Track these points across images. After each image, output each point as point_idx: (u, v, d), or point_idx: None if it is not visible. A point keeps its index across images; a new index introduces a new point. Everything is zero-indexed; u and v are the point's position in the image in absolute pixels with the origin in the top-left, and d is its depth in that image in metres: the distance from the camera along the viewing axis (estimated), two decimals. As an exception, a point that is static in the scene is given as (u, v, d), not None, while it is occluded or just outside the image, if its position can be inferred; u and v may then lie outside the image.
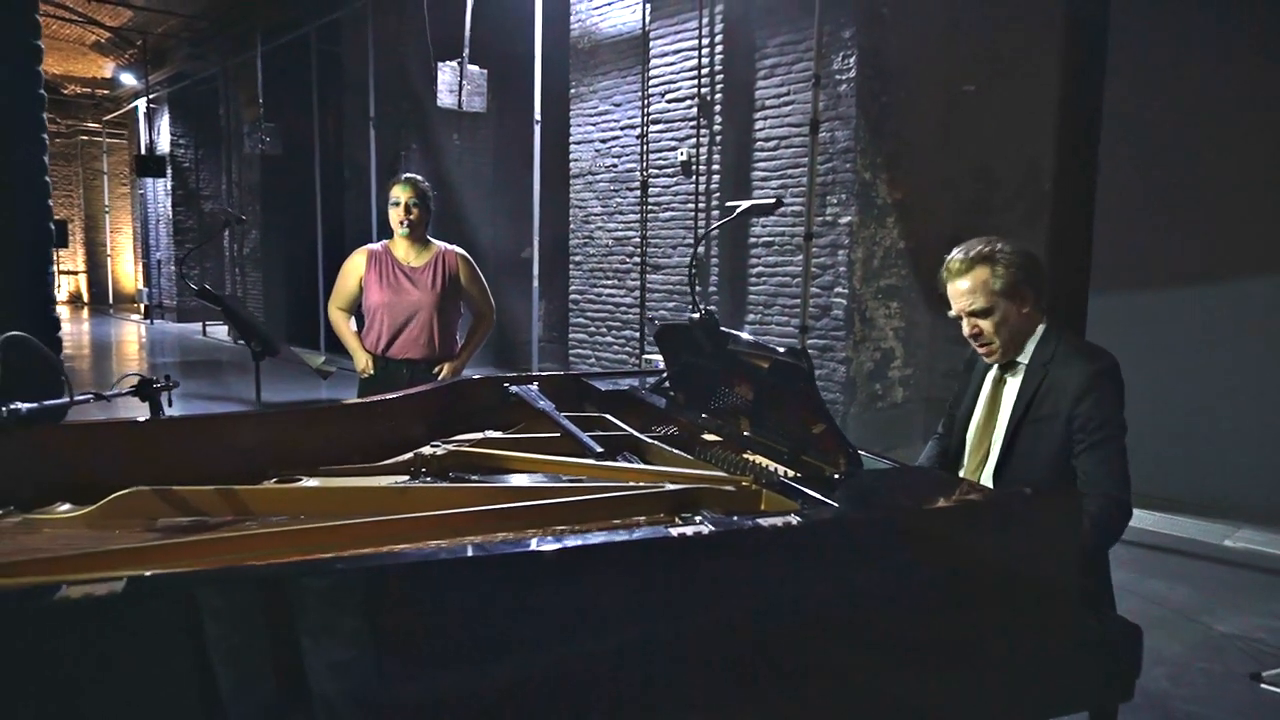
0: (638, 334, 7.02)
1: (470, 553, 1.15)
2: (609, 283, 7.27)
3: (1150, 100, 5.05)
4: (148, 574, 1.03)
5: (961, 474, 2.05)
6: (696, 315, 2.05)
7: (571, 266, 7.63)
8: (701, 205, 6.40)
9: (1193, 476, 4.88)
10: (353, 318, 3.55)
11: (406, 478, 1.92)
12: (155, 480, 1.64)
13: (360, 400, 2.46)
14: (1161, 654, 3.13)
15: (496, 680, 1.16)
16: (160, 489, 1.57)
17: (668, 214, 6.70)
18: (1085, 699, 1.57)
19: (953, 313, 1.97)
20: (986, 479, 1.98)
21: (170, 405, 1.95)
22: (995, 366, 2.01)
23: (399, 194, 3.37)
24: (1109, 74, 5.18)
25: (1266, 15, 4.64)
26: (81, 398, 1.62)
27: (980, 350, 1.97)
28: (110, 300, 19.65)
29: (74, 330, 15.24)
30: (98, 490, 1.60)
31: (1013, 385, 1.96)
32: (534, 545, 1.27)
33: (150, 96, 15.47)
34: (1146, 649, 1.60)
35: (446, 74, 7.09)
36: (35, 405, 1.47)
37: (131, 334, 14.90)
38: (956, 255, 1.93)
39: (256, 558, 1.30)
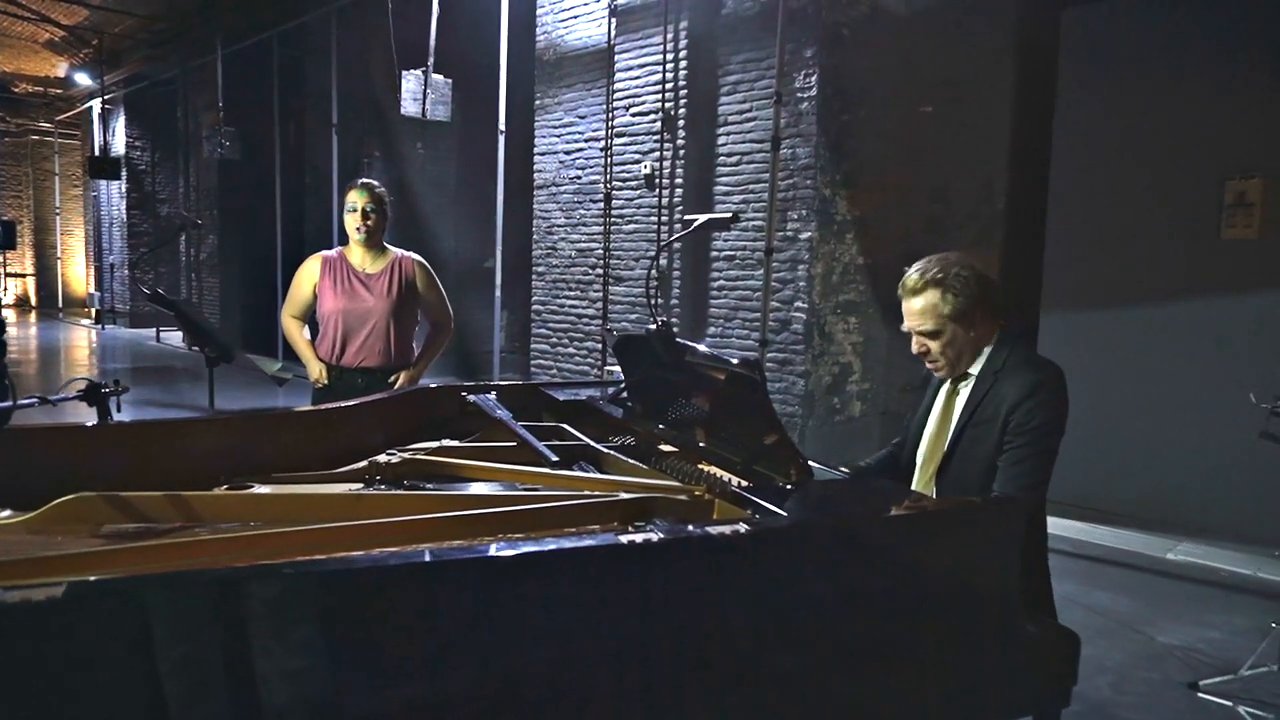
0: (600, 345, 7.03)
1: (420, 558, 1.16)
2: (571, 294, 7.28)
3: (1099, 124, 5.22)
4: (89, 579, 1.01)
5: (916, 482, 2.09)
6: (654, 326, 2.07)
7: (534, 277, 7.62)
8: (664, 218, 6.45)
9: (1137, 491, 5.02)
10: (307, 326, 3.50)
11: (361, 485, 1.92)
12: (105, 487, 1.61)
13: (317, 407, 2.44)
14: (1103, 663, 3.21)
15: (446, 685, 1.16)
16: (106, 494, 1.54)
17: (631, 226, 6.74)
18: (1025, 704, 1.61)
19: (905, 328, 2.03)
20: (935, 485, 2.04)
21: (119, 410, 1.92)
22: (951, 379, 2.07)
23: (356, 199, 3.31)
24: (1059, 98, 5.37)
25: (1211, 41, 4.82)
26: (26, 402, 1.59)
27: (928, 366, 2.04)
28: (60, 304, 19.14)
29: (21, 334, 14.82)
30: (45, 497, 1.57)
31: (964, 394, 2.01)
32: (484, 551, 1.28)
33: (105, 97, 15.16)
34: (1090, 658, 1.65)
35: (411, 82, 7.07)
36: (-23, 409, 1.43)
37: (81, 339, 14.54)
38: (913, 274, 1.98)
39: (203, 564, 1.29)
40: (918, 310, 1.95)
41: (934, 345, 1.96)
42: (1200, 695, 3.00)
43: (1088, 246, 5.30)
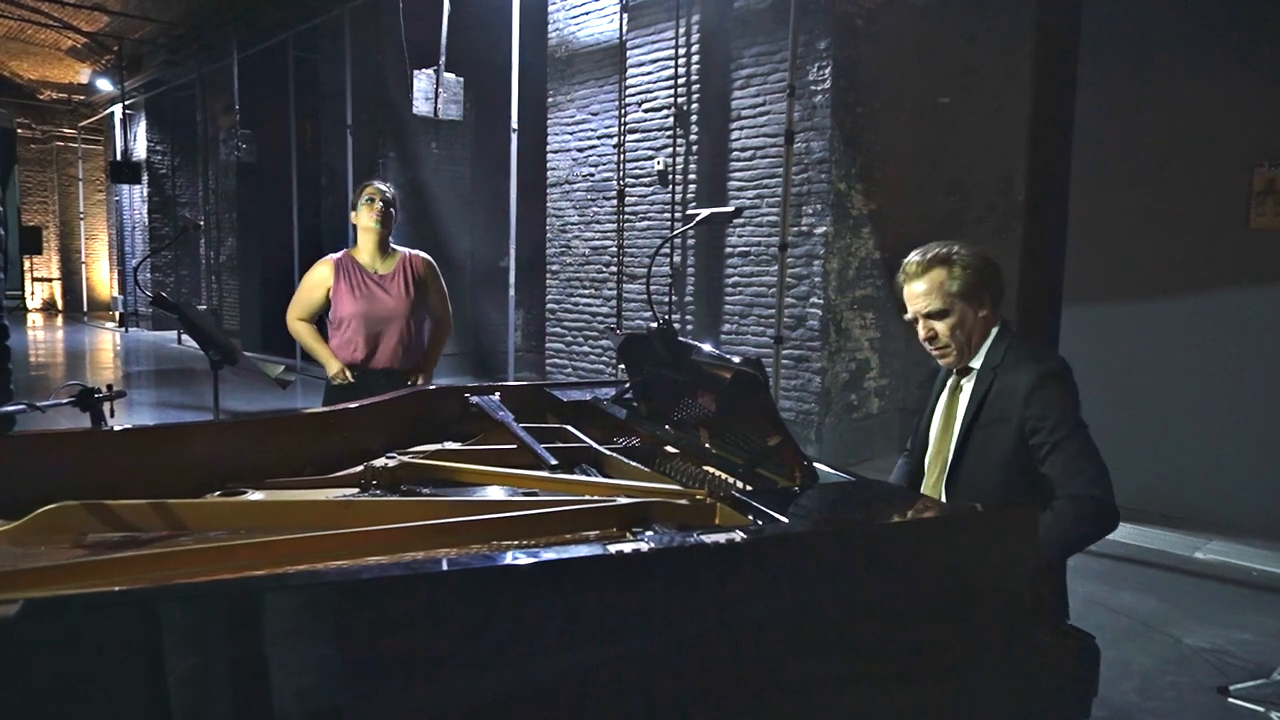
0: (613, 344, 6.99)
1: (397, 571, 1.11)
2: (586, 292, 7.24)
3: (1122, 111, 5.10)
4: (49, 595, 0.97)
5: (925, 485, 2.02)
6: (654, 325, 2.02)
7: (548, 276, 7.59)
8: (678, 215, 6.39)
9: (1164, 488, 4.89)
10: (313, 326, 3.50)
11: (356, 490, 1.88)
12: (102, 494, 1.58)
13: (317, 411, 2.40)
14: (1130, 666, 3.12)
15: (436, 698, 1.11)
16: (90, 503, 1.51)
17: (644, 223, 6.69)
18: (1042, 717, 1.54)
19: (909, 315, 1.95)
20: (945, 488, 1.96)
21: (112, 415, 1.89)
22: (952, 375, 1.99)
23: (373, 193, 3.36)
24: (1080, 88, 5.24)
25: (1235, 27, 4.69)
26: (13, 408, 1.56)
27: (935, 353, 1.95)
28: (85, 308, 19.40)
29: (47, 338, 15.02)
30: (38, 504, 1.54)
31: (967, 391, 1.93)
32: (475, 561, 1.23)
33: (127, 103, 15.32)
34: (1115, 661, 1.57)
35: (422, 81, 7.04)
36: (-41, 416, 1.41)
37: (105, 342, 14.70)
38: (914, 257, 1.92)
39: (184, 575, 1.26)
40: (922, 291, 1.89)
41: (941, 327, 1.88)
42: (1231, 700, 2.90)
43: (1111, 238, 5.18)
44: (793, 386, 5.84)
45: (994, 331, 1.92)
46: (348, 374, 3.34)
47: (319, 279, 3.39)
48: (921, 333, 1.93)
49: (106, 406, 1.85)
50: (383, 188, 3.41)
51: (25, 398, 1.98)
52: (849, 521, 1.48)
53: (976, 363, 1.92)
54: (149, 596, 1.01)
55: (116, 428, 1.96)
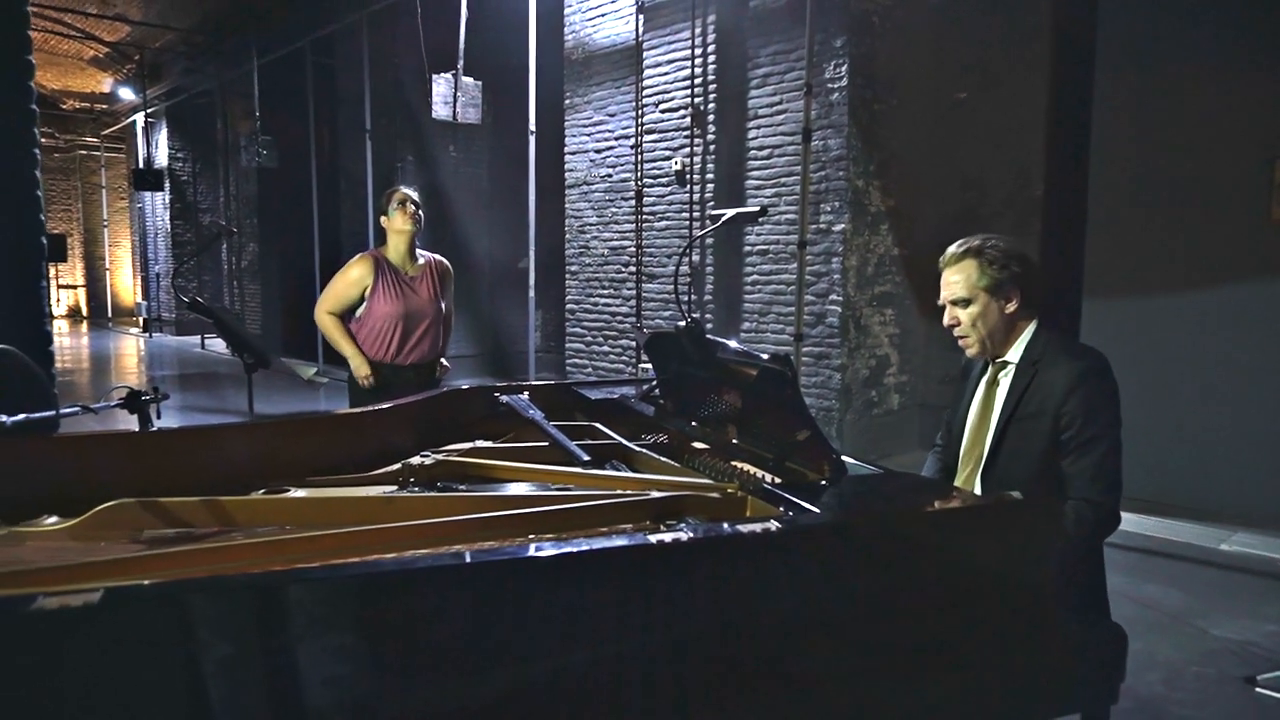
0: (634, 343, 7.03)
1: (448, 561, 1.16)
2: (605, 292, 7.29)
3: (1140, 104, 5.08)
4: (126, 584, 1.03)
5: (959, 480, 2.05)
6: (683, 323, 2.06)
7: (567, 276, 7.65)
8: (696, 214, 6.42)
9: (1189, 480, 4.88)
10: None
11: (394, 488, 1.93)
12: (146, 492, 1.64)
13: (351, 411, 2.45)
14: (1156, 658, 3.13)
15: (478, 689, 1.16)
16: (146, 500, 1.57)
17: (663, 223, 6.72)
18: (1072, 703, 1.57)
19: (940, 301, 2.02)
20: (980, 481, 1.99)
21: (159, 417, 1.95)
22: (989, 369, 2.02)
23: (405, 197, 3.51)
24: (1097, 81, 5.23)
25: (1257, 12, 4.66)
26: (69, 411, 1.62)
27: (959, 341, 2.01)
28: (109, 314, 19.67)
29: (73, 344, 15.25)
30: (88, 503, 1.61)
31: (1004, 386, 1.97)
32: (517, 553, 1.27)
33: (148, 111, 15.52)
34: (1140, 653, 1.60)
35: (441, 85, 7.11)
36: (20, 418, 1.47)
37: (130, 347, 14.91)
38: (951, 248, 1.99)
39: (240, 568, 1.31)
40: (952, 280, 1.96)
41: (964, 315, 1.95)
42: (1258, 690, 2.91)
43: (1131, 231, 5.16)
44: (813, 383, 5.86)
45: (1032, 325, 1.95)
46: (371, 376, 3.46)
47: (356, 277, 3.49)
48: (946, 319, 2.00)
49: (153, 409, 1.92)
50: (412, 192, 3.56)
51: (47, 403, 2.04)
52: (881, 511, 1.52)
53: (1015, 355, 1.95)
54: (220, 585, 1.06)
55: (161, 429, 2.02)
